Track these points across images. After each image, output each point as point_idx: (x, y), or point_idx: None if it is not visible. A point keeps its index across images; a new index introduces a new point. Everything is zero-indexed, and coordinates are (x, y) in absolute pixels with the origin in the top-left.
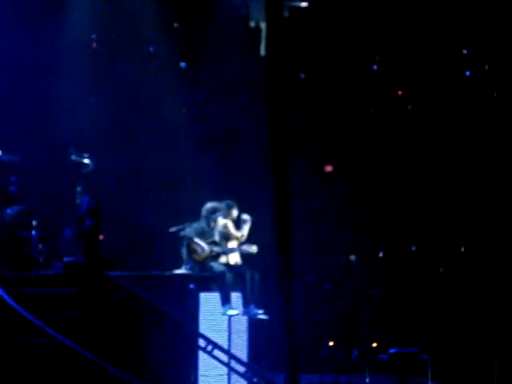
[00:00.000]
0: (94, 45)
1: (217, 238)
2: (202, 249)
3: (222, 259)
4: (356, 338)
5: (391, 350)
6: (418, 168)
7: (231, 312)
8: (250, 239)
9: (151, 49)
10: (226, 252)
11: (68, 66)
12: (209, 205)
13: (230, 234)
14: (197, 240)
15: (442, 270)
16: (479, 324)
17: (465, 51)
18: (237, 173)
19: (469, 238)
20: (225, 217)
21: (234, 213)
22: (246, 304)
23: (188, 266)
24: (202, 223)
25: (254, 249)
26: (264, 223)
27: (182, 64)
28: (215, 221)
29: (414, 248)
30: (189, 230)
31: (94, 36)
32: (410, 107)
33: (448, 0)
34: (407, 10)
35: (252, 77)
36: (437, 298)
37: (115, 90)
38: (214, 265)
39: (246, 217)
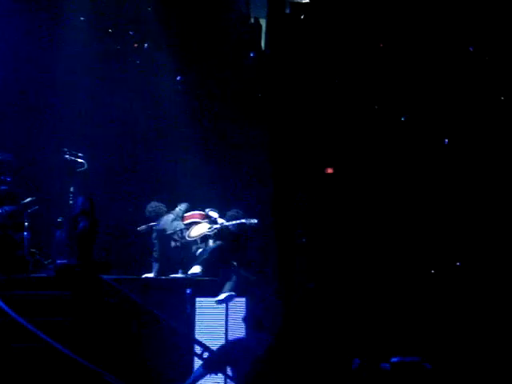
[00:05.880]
0: None
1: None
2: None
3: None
4: (357, 347)
5: (393, 359)
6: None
7: (220, 296)
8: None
9: (146, 45)
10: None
11: (65, 67)
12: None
13: None
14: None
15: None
16: (485, 332)
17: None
18: (234, 178)
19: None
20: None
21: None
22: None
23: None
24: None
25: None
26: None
27: (178, 78)
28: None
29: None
30: (165, 219)
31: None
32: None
33: None
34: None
35: (251, 78)
36: (440, 304)
37: (112, 91)
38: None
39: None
